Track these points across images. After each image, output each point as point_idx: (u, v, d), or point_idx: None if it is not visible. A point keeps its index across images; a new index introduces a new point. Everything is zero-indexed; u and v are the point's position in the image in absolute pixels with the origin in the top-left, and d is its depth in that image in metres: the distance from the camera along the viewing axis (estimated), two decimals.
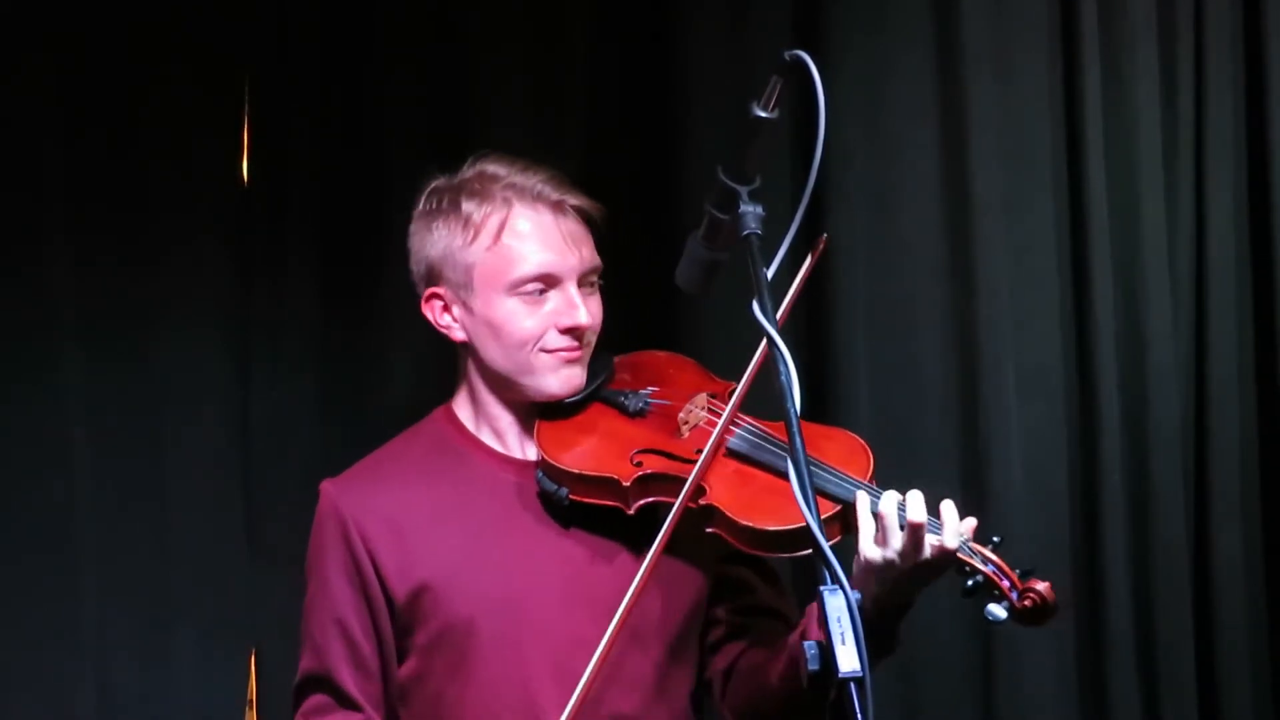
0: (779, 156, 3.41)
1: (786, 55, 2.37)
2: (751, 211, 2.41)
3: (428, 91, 3.54)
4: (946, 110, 3.66)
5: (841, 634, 2.13)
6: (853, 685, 2.12)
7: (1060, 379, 3.67)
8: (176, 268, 3.44)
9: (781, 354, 2.26)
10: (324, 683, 2.67)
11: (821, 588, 2.17)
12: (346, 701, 2.66)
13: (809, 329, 3.62)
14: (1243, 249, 3.75)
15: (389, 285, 3.49)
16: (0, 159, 3.37)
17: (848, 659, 2.12)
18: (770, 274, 2.34)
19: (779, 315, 2.33)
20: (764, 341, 2.28)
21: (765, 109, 2.40)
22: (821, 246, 2.61)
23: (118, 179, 3.41)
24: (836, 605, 2.14)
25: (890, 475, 2.62)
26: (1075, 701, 3.63)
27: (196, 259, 3.45)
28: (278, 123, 3.50)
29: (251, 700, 3.38)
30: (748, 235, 2.39)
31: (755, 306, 2.30)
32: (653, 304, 3.33)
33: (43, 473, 3.35)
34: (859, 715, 2.11)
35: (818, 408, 3.51)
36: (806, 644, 2.19)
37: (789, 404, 2.24)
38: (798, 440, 2.22)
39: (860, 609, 2.13)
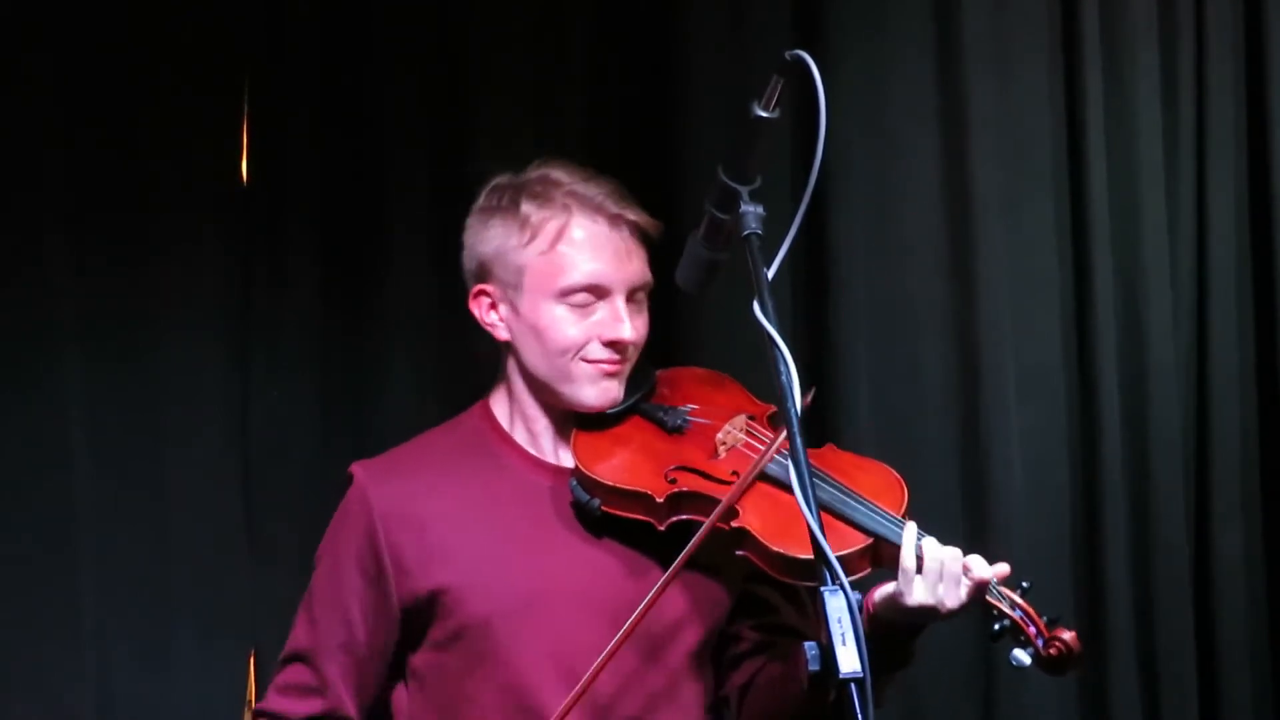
0: (779, 156, 3.40)
1: (786, 55, 2.37)
2: (752, 211, 2.41)
3: (428, 91, 3.54)
4: (946, 110, 3.66)
5: (842, 635, 2.13)
6: (853, 685, 2.12)
7: (1060, 379, 3.67)
8: (176, 268, 3.43)
9: (782, 354, 2.27)
10: (309, 660, 2.68)
11: (822, 588, 2.17)
12: (325, 683, 2.67)
13: (809, 329, 3.62)
14: (1243, 248, 3.76)
15: (389, 286, 3.50)
16: (0, 159, 3.36)
17: (848, 659, 2.12)
18: (770, 274, 2.34)
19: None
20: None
21: (765, 109, 2.40)
22: (809, 399, 2.55)
23: (117, 179, 3.41)
24: (836, 606, 2.15)
25: None
26: (1075, 701, 3.63)
27: (196, 259, 3.45)
28: (278, 122, 3.49)
29: (251, 700, 3.38)
30: (748, 235, 2.40)
31: (756, 307, 2.30)
32: (652, 305, 3.33)
33: (43, 473, 3.35)
34: (859, 715, 2.11)
35: (818, 408, 3.51)
36: (807, 645, 2.19)
37: (789, 405, 2.25)
38: (797, 440, 2.23)
39: (871, 620, 2.13)
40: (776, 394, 2.28)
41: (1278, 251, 3.73)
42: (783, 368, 2.26)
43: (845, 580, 2.16)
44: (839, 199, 3.61)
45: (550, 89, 3.58)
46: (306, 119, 3.50)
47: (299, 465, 3.44)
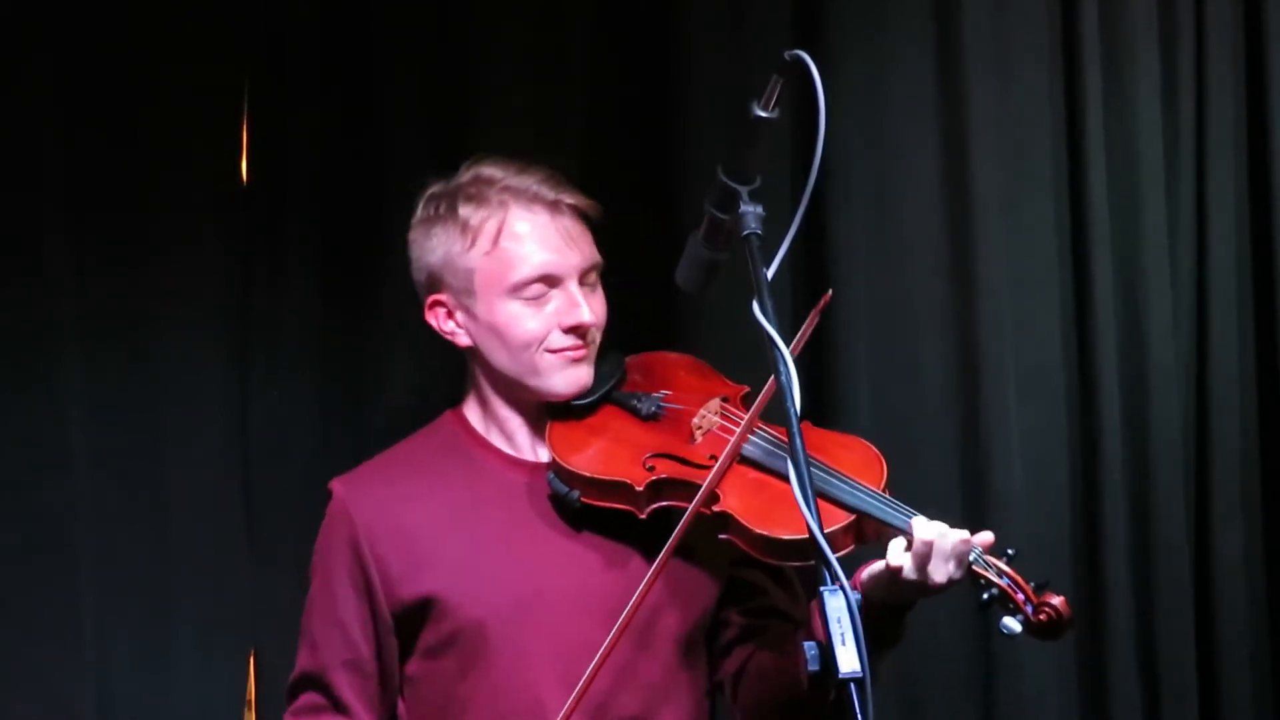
0: (779, 156, 3.40)
1: (786, 55, 2.37)
2: (751, 211, 2.42)
3: (428, 91, 3.54)
4: (946, 110, 3.65)
5: (841, 634, 2.13)
6: (853, 685, 2.12)
7: (1060, 379, 3.67)
8: (176, 268, 3.43)
9: (781, 354, 2.27)
10: (318, 682, 2.68)
11: (822, 588, 2.17)
12: (338, 703, 2.67)
13: None
14: (1244, 249, 3.76)
15: (389, 285, 3.49)
16: (0, 159, 3.36)
17: (848, 659, 2.13)
18: (770, 274, 2.35)
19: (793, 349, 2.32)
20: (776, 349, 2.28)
21: (765, 109, 2.41)
22: (824, 303, 2.60)
23: (118, 179, 3.41)
24: (836, 606, 2.15)
25: (891, 475, 2.63)
26: (1075, 701, 3.63)
27: (196, 259, 3.44)
28: (278, 123, 3.49)
29: (250, 701, 3.38)
30: (748, 235, 2.40)
31: (755, 306, 2.30)
32: (652, 304, 3.33)
33: (43, 473, 3.35)
34: (859, 715, 2.12)
35: (818, 408, 3.51)
36: (806, 645, 2.19)
37: (788, 404, 2.25)
38: (797, 440, 2.23)
39: (863, 606, 2.14)
40: (776, 394, 2.28)
41: (1278, 251, 3.73)
42: (782, 368, 2.27)
43: (844, 580, 2.16)
44: (839, 199, 3.61)
45: (550, 89, 3.58)
46: (306, 119, 3.50)
47: (299, 465, 3.44)
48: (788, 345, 2.28)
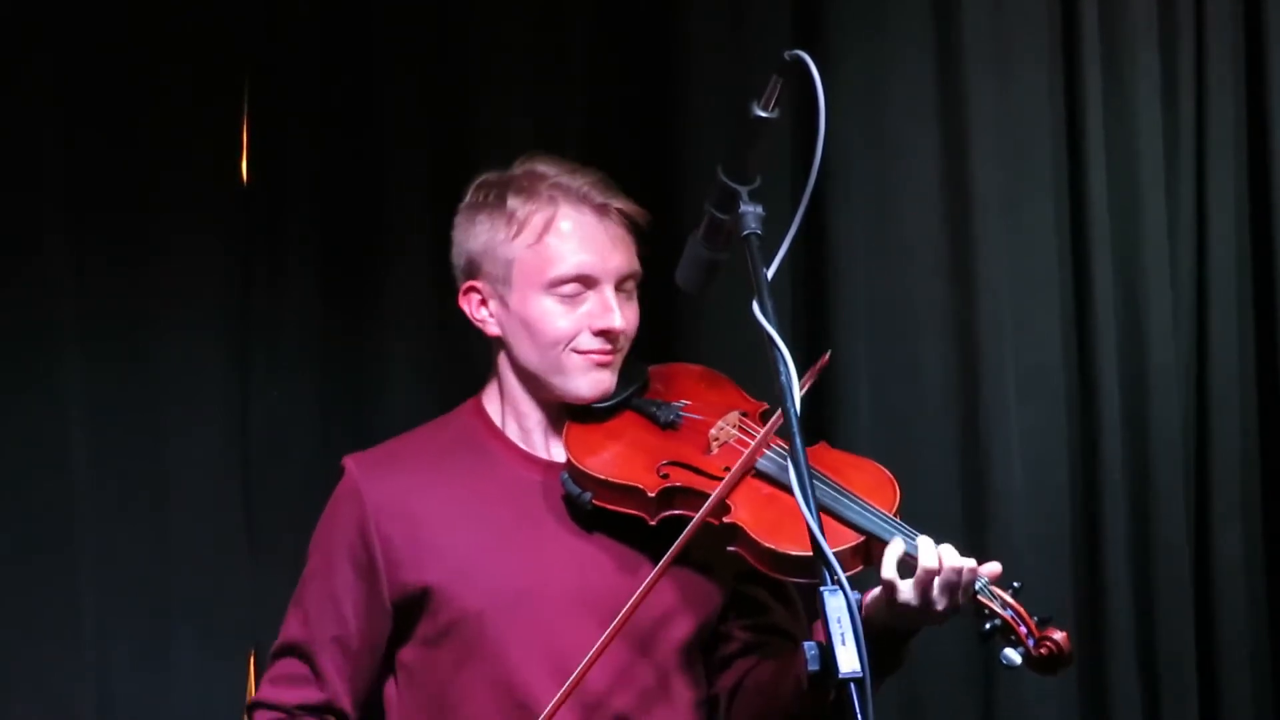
0: (779, 156, 3.40)
1: (786, 55, 2.37)
2: (751, 211, 2.41)
3: (428, 91, 3.54)
4: (946, 110, 3.66)
5: (841, 634, 2.13)
6: (853, 685, 2.12)
7: (1060, 379, 3.67)
8: (176, 268, 3.43)
9: (782, 354, 2.27)
10: (303, 653, 2.68)
11: (822, 588, 2.17)
12: (318, 676, 2.67)
13: (809, 329, 3.62)
14: (1244, 248, 3.76)
15: (389, 285, 3.50)
16: (0, 159, 3.36)
17: (848, 659, 2.13)
18: (770, 274, 2.35)
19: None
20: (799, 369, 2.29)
21: (765, 109, 2.40)
22: (822, 364, 2.60)
23: (118, 179, 3.41)
24: (836, 605, 2.15)
25: (892, 472, 2.62)
26: (1075, 701, 3.63)
27: (196, 259, 3.45)
28: (278, 123, 3.50)
29: None
30: (748, 235, 2.40)
31: (755, 307, 2.30)
32: (652, 304, 3.33)
33: (43, 473, 3.35)
34: (859, 715, 2.11)
35: (818, 407, 3.51)
36: (807, 645, 2.19)
37: (789, 404, 2.25)
38: (797, 440, 2.23)
39: (868, 627, 2.15)
40: (775, 393, 2.28)
41: (1278, 251, 3.73)
42: (782, 368, 2.27)
43: (845, 579, 2.16)
44: (839, 199, 3.61)
45: (550, 89, 3.58)
46: (306, 119, 3.50)
47: (299, 465, 3.44)
48: (788, 345, 2.28)
